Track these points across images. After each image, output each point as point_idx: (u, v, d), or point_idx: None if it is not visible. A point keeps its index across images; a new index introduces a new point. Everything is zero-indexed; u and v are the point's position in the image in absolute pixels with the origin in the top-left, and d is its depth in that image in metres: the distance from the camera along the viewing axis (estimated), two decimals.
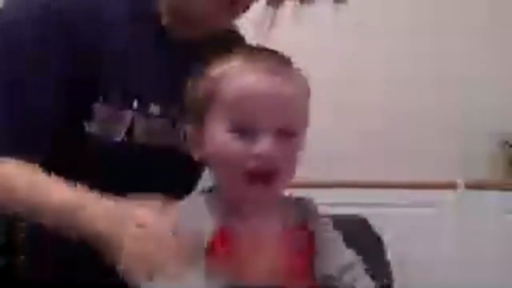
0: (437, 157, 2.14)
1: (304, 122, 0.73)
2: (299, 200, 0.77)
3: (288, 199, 0.76)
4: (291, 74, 0.72)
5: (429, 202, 1.97)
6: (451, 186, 1.99)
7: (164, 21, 0.88)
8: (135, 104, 0.84)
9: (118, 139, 0.84)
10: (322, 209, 0.77)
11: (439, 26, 2.22)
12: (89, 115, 0.82)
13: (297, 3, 0.85)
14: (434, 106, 2.19)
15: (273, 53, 0.74)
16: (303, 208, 0.76)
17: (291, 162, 0.71)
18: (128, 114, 0.84)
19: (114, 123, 0.83)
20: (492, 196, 1.96)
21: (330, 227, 0.76)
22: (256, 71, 0.69)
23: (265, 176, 0.68)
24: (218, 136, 0.69)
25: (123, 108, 0.84)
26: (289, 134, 0.69)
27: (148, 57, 0.87)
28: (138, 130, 0.85)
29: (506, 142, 2.16)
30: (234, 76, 0.70)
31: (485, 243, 1.90)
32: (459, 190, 1.99)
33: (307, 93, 0.74)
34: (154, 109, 0.87)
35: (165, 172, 0.86)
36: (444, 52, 2.21)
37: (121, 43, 0.84)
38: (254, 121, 0.68)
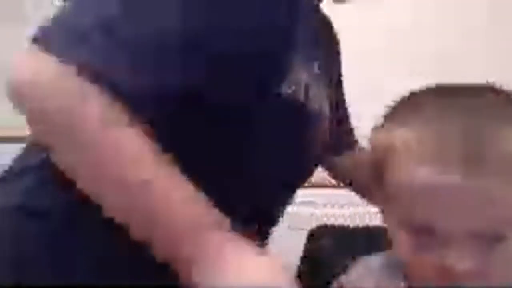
0: None
1: None
2: None
3: None
4: (503, 142, 0.48)
5: None
6: None
7: None
8: (305, 64, 0.75)
9: (302, 101, 0.74)
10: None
11: (439, 26, 2.23)
12: (282, 76, 0.70)
13: None
14: None
15: (478, 109, 0.50)
16: None
17: (491, 271, 0.50)
18: (305, 75, 0.75)
19: (297, 85, 0.73)
20: None
21: None
22: (439, 152, 0.48)
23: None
24: (398, 233, 0.53)
25: (299, 67, 0.74)
26: (493, 237, 0.49)
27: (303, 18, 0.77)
28: (311, 92, 0.77)
29: None
30: (404, 155, 0.51)
31: None
32: None
33: None
34: (316, 67, 0.80)
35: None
36: (444, 52, 2.21)
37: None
38: (438, 224, 0.49)
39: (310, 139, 0.81)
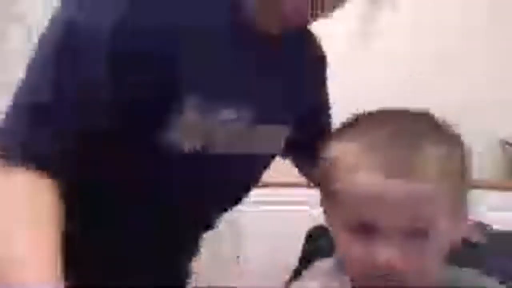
0: None
1: (449, 211, 0.61)
2: None
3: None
4: (425, 156, 0.59)
5: None
6: None
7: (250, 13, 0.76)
8: (210, 110, 0.74)
9: (196, 148, 0.75)
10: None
11: (439, 26, 2.23)
12: (164, 124, 0.72)
13: None
14: (434, 105, 2.19)
15: (406, 125, 0.63)
16: None
17: (423, 262, 0.59)
18: (206, 121, 0.74)
19: (191, 131, 0.74)
20: (492, 196, 1.96)
21: None
22: (373, 162, 0.58)
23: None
24: (340, 233, 0.62)
25: (202, 114, 0.74)
26: (421, 232, 0.58)
27: (223, 58, 0.76)
28: (215, 137, 0.76)
29: (506, 142, 2.15)
30: (347, 167, 0.60)
31: None
32: None
33: (455, 171, 0.65)
34: (228, 113, 0.77)
35: (231, 179, 0.82)
36: (444, 51, 2.21)
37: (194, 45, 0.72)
38: (372, 222, 0.58)
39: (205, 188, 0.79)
